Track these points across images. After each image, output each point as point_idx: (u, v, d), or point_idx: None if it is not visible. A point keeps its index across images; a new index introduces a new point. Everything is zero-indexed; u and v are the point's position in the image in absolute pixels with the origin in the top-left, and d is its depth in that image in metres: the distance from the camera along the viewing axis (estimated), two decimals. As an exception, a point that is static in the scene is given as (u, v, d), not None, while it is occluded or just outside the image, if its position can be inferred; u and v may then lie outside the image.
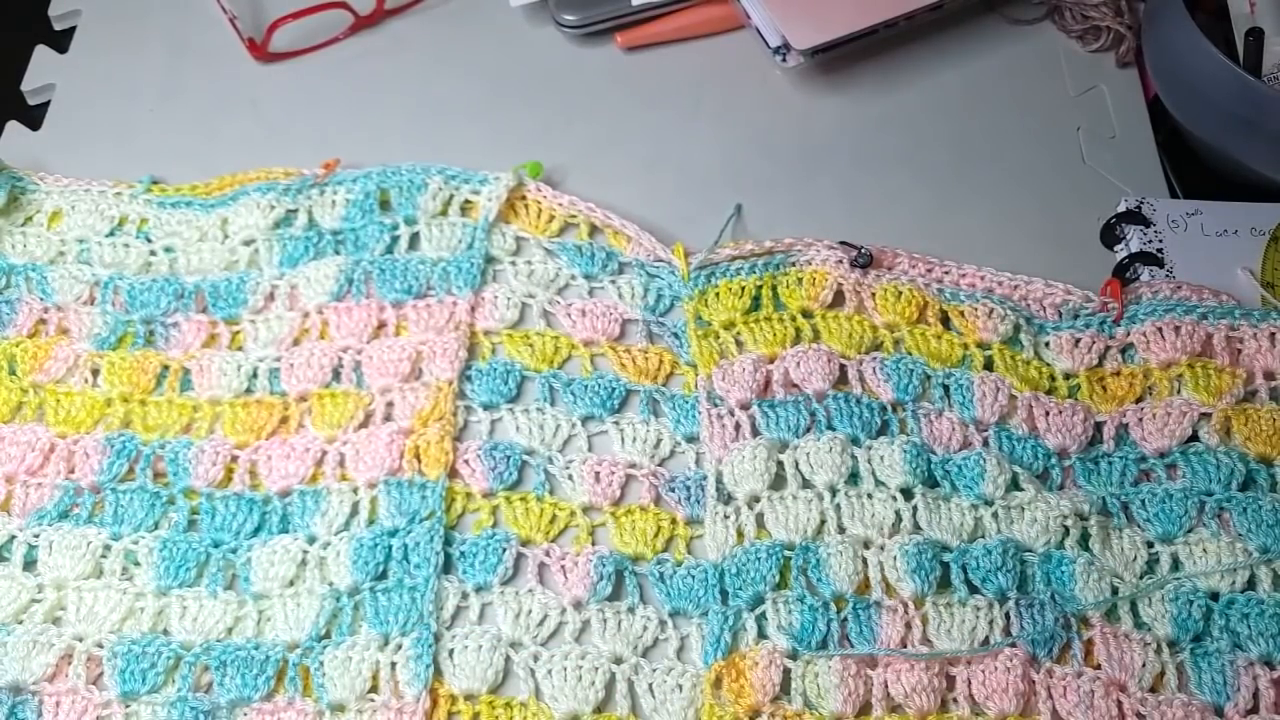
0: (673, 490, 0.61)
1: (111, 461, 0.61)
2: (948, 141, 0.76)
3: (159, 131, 0.75)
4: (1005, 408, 0.63)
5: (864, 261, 0.67)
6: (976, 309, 0.66)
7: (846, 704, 0.54)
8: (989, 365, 0.65)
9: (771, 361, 0.64)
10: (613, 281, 0.68)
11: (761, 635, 0.56)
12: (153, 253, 0.69)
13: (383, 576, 0.58)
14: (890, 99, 0.77)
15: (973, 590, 0.57)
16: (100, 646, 0.55)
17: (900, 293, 0.67)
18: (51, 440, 0.62)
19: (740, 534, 0.59)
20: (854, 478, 0.60)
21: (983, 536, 0.59)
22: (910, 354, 0.65)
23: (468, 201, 0.71)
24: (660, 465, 0.62)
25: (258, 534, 0.59)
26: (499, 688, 0.55)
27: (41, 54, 0.79)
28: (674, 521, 0.60)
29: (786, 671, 0.55)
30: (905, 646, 0.55)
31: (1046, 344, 0.66)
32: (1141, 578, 0.58)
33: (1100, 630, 0.56)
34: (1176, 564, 0.58)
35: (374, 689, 0.55)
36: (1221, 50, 0.68)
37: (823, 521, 0.59)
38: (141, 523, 0.59)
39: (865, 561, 0.57)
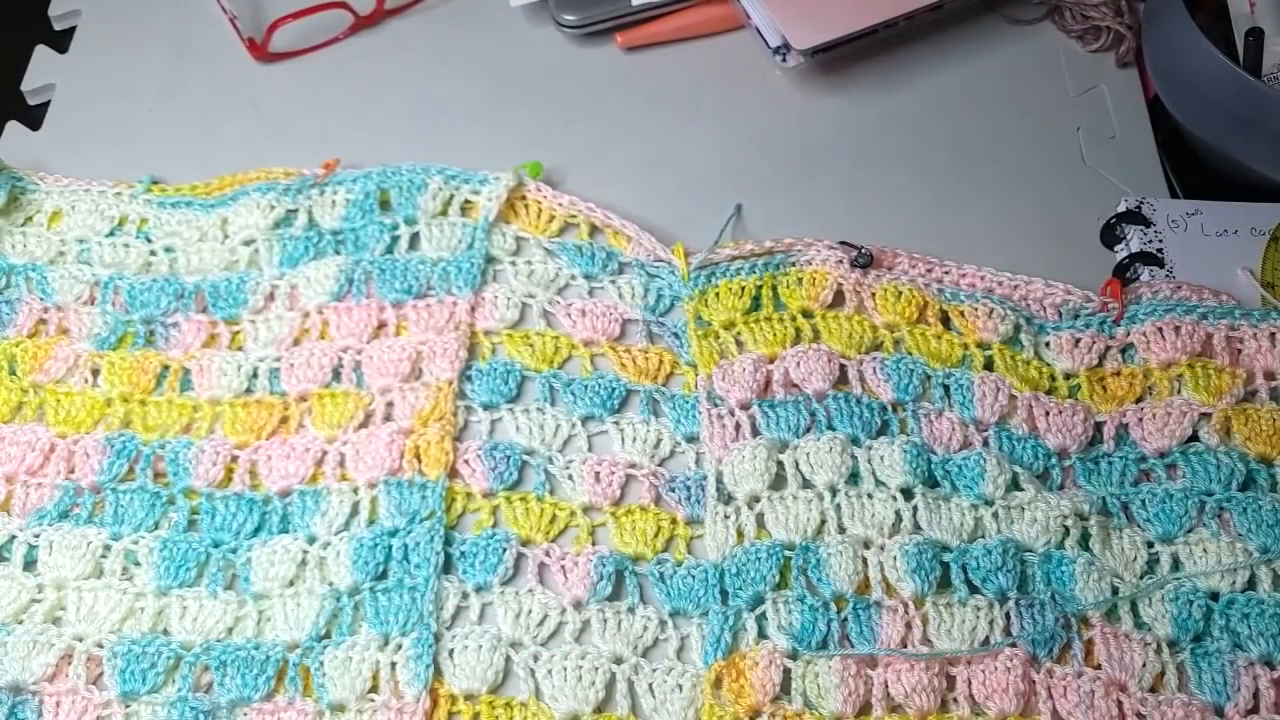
0: (673, 490, 0.61)
1: (111, 461, 0.61)
2: (948, 141, 0.76)
3: (159, 131, 0.75)
4: (1005, 408, 0.63)
5: (864, 261, 0.67)
6: (976, 309, 0.66)
7: (846, 704, 0.54)
8: (989, 365, 0.65)
9: (771, 361, 0.64)
10: (613, 281, 0.68)
11: (762, 635, 0.56)
12: (153, 253, 0.69)
13: (383, 576, 0.58)
14: (890, 99, 0.77)
15: (973, 590, 0.57)
16: (100, 646, 0.55)
17: (900, 293, 0.67)
18: (51, 440, 0.62)
19: (740, 534, 0.59)
20: (854, 478, 0.60)
21: (983, 536, 0.59)
22: (910, 354, 0.65)
23: (468, 201, 0.71)
24: (660, 465, 0.62)
25: (258, 534, 0.59)
26: (499, 688, 0.55)
27: (41, 54, 0.79)
28: (674, 521, 0.60)
29: (787, 671, 0.55)
30: (905, 646, 0.55)
31: (1047, 344, 0.66)
32: (1141, 578, 0.58)
33: (1100, 630, 0.56)
34: (1176, 564, 0.58)
35: (374, 689, 0.55)
36: (1221, 50, 0.68)
37: (823, 521, 0.59)
38: (141, 523, 0.59)
39: (865, 561, 0.57)
